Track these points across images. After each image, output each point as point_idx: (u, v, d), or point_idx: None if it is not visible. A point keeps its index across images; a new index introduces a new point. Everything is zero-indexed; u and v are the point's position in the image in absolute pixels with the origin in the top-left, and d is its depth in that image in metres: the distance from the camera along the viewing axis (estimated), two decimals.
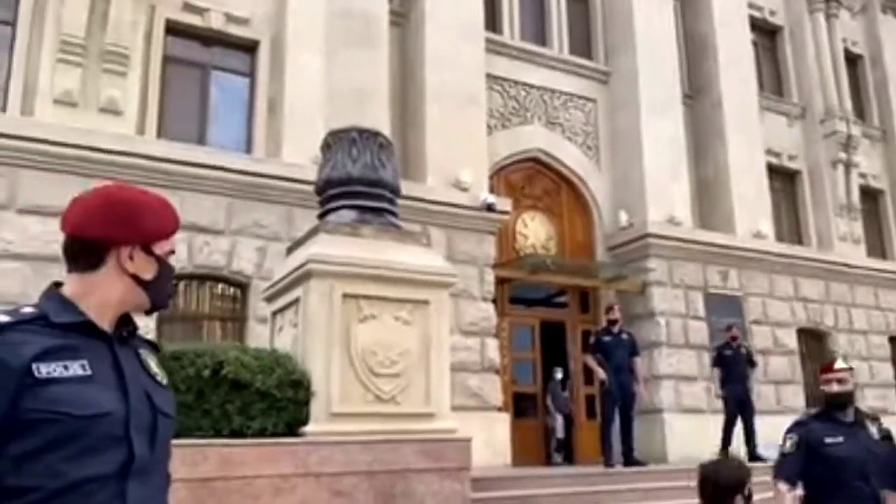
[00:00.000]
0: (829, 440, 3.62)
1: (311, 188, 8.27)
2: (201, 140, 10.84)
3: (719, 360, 10.97)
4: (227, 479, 4.82)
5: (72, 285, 1.51)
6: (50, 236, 8.82)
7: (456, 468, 5.74)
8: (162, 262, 1.56)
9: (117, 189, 1.60)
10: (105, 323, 1.49)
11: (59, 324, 1.41)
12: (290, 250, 6.66)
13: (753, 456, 10.37)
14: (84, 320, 1.45)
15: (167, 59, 10.79)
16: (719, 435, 12.23)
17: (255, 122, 11.20)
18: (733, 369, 10.76)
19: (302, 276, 5.73)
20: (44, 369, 1.35)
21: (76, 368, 1.38)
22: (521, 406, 12.64)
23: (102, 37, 9.86)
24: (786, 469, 3.66)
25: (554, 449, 12.22)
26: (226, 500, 4.80)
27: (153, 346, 1.66)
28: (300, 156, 10.49)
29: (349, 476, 5.22)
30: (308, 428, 5.34)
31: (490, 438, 10.52)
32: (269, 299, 6.59)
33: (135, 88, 10.14)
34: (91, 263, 1.50)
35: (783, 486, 3.62)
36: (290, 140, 10.70)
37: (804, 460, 3.63)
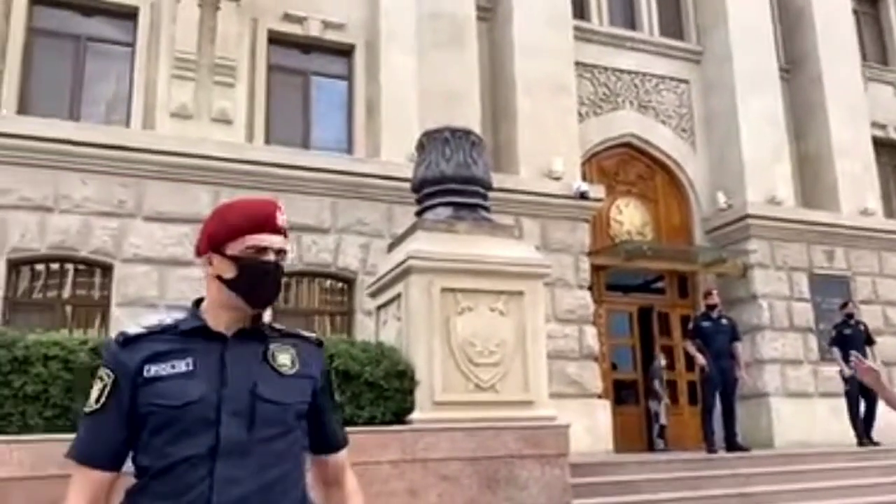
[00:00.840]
0: None
1: (408, 186, 8.68)
2: (305, 143, 11.42)
3: (839, 339, 10.69)
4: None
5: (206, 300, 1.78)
6: (170, 241, 9.60)
7: (555, 454, 5.97)
8: (238, 260, 1.69)
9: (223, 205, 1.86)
10: (222, 325, 1.70)
11: (182, 331, 1.68)
12: (391, 247, 7.04)
13: (868, 440, 10.14)
14: (198, 325, 1.70)
15: (271, 68, 11.41)
16: (828, 418, 11.99)
17: (355, 123, 11.69)
18: (853, 348, 10.47)
19: (403, 273, 6.09)
20: (152, 369, 1.61)
21: (181, 366, 1.62)
22: (621, 393, 12.72)
23: (212, 51, 10.56)
24: None
25: (657, 435, 12.25)
26: None
27: (313, 342, 1.82)
28: (398, 154, 10.91)
29: (454, 462, 5.54)
30: (414, 416, 5.70)
31: (591, 425, 10.69)
32: (374, 294, 6.99)
33: (242, 98, 10.80)
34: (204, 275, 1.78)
35: None
36: (388, 139, 11.13)
37: None
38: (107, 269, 9.51)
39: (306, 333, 1.85)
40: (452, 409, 5.78)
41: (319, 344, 1.85)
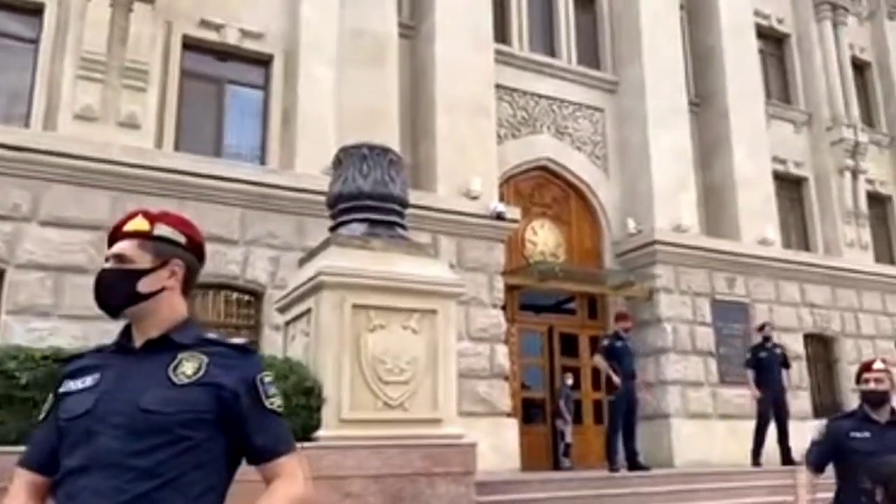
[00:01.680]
0: (854, 434, 3.88)
1: (321, 199, 8.56)
2: (217, 152, 11.13)
3: (754, 362, 11.07)
4: (240, 482, 5.06)
5: None
6: (68, 247, 9.17)
7: (461, 472, 5.96)
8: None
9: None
10: (138, 339, 1.78)
11: (109, 348, 1.81)
12: (302, 262, 6.92)
13: (788, 459, 10.51)
14: (116, 341, 1.81)
15: (184, 74, 11.09)
16: (726, 439, 12.44)
17: (270, 134, 11.48)
18: (768, 371, 10.84)
19: (314, 288, 5.99)
20: (68, 384, 1.74)
21: (88, 381, 1.70)
22: (530, 412, 12.85)
23: (122, 53, 10.18)
24: (811, 457, 4.01)
25: (562, 453, 12.41)
26: (241, 502, 5.05)
27: (236, 350, 1.81)
28: (312, 167, 10.76)
29: (359, 479, 5.46)
30: (320, 433, 5.59)
31: (499, 444, 10.75)
32: (283, 309, 6.85)
33: (153, 103, 10.45)
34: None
35: (806, 473, 4.00)
36: (303, 151, 10.98)
37: (830, 451, 3.93)
38: None
39: (232, 341, 1.84)
40: (360, 426, 5.69)
41: (244, 351, 1.83)
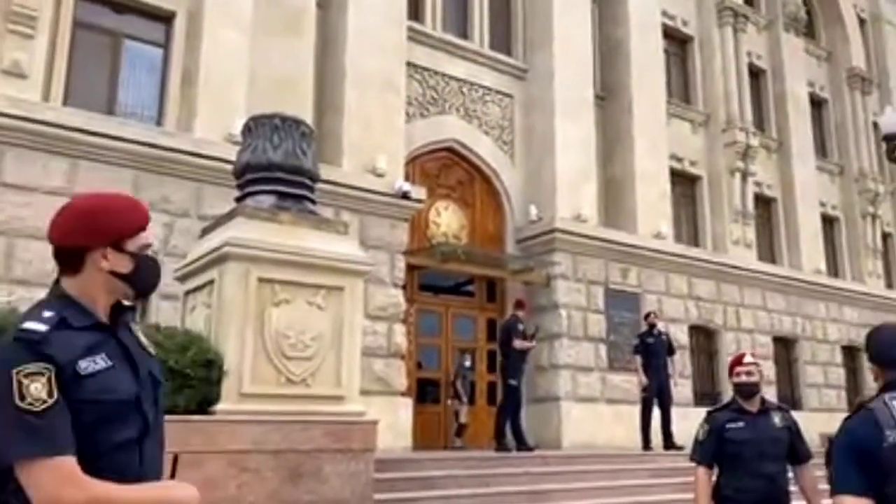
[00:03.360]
0: (730, 426, 4.10)
1: (224, 166, 8.24)
2: (110, 110, 10.50)
3: (642, 348, 11.47)
4: None
5: (68, 287, 1.81)
6: None
7: (361, 449, 5.90)
8: (136, 257, 1.83)
9: (85, 199, 1.89)
10: (102, 315, 1.79)
11: (80, 326, 1.72)
12: (205, 231, 6.63)
13: (670, 444, 10.95)
14: (96, 322, 1.76)
15: (77, 24, 10.39)
16: (612, 423, 12.88)
17: (168, 94, 10.92)
18: (654, 357, 11.28)
19: (218, 259, 5.74)
20: (83, 365, 1.67)
21: (101, 361, 1.70)
22: (424, 391, 12.89)
23: None
24: (700, 454, 4.16)
25: (454, 433, 12.52)
26: None
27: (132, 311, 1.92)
28: (214, 132, 10.35)
29: (257, 454, 5.30)
30: (219, 407, 5.39)
31: (393, 422, 10.72)
32: (182, 279, 6.55)
33: (42, 52, 9.74)
34: (75, 268, 1.81)
35: (700, 470, 4.12)
36: (204, 115, 10.52)
37: (715, 445, 4.10)
38: None
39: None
40: (260, 401, 5.52)
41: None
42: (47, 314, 1.70)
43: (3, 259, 8.70)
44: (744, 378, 4.16)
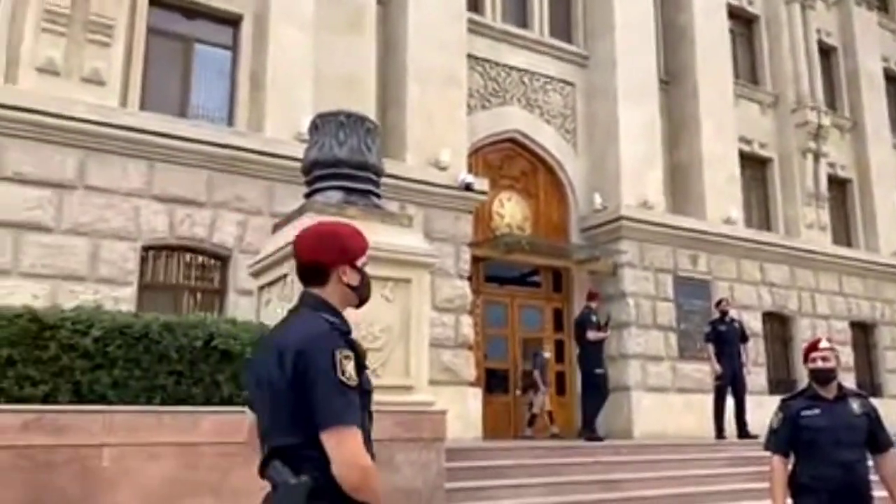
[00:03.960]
0: (805, 413, 4.03)
1: (293, 164, 8.46)
2: (183, 113, 10.89)
3: (714, 335, 11.34)
4: (218, 445, 5.05)
5: (316, 297, 2.23)
6: (28, 204, 8.92)
7: (432, 439, 6.01)
8: (362, 272, 2.28)
9: (325, 226, 2.36)
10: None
11: (344, 332, 2.15)
12: (276, 227, 6.85)
13: (744, 433, 10.82)
14: (350, 329, 2.21)
15: (151, 31, 10.80)
16: (683, 412, 12.73)
17: (238, 96, 11.26)
18: (727, 345, 11.13)
19: (290, 254, 5.93)
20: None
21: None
22: (492, 381, 12.97)
23: (87, 6, 9.85)
24: (775, 443, 4.10)
25: (527, 423, 12.53)
26: (216, 464, 5.04)
27: None
28: (283, 131, 10.62)
29: None
30: None
31: (462, 412, 10.85)
32: (256, 274, 6.77)
33: (118, 59, 10.15)
34: (322, 281, 2.23)
35: (776, 459, 4.06)
36: (273, 115, 10.81)
37: (790, 433, 4.04)
38: None
39: None
40: None
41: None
42: (332, 319, 2.14)
43: (89, 259, 9.13)
44: (819, 364, 4.08)
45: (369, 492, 1.99)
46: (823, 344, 4.18)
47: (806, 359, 4.18)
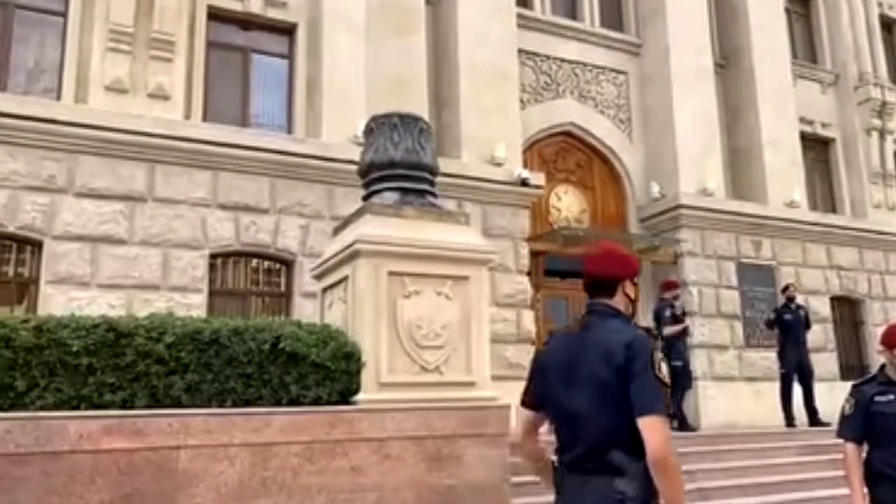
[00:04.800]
0: (878, 398, 3.97)
1: (350, 167, 8.64)
2: (244, 122, 11.21)
3: (779, 323, 11.15)
4: (287, 444, 5.24)
5: (609, 306, 2.74)
6: (102, 217, 9.33)
7: (497, 434, 6.09)
8: (636, 286, 2.83)
9: (611, 247, 2.90)
10: None
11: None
12: (336, 230, 7.02)
13: (815, 420, 10.63)
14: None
15: (210, 45, 11.14)
16: (752, 401, 12.51)
17: (295, 103, 11.53)
18: (792, 332, 10.93)
19: (350, 256, 6.08)
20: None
21: None
22: None
23: (149, 25, 10.23)
24: (848, 430, 4.05)
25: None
26: (286, 463, 5.23)
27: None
28: (339, 136, 10.83)
29: (398, 441, 5.61)
30: (359, 396, 5.72)
31: None
32: (319, 277, 6.96)
33: (181, 74, 10.51)
34: (611, 293, 2.74)
35: (849, 446, 4.01)
36: (329, 120, 11.02)
37: (863, 420, 3.98)
38: (36, 246, 9.19)
39: None
40: (398, 389, 5.83)
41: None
42: (639, 326, 2.82)
43: (161, 269, 9.49)
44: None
45: (670, 471, 2.41)
46: None
47: (891, 344, 4.05)
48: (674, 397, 10.57)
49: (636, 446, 2.42)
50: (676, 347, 10.65)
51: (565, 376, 2.64)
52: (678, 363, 10.56)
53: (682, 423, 10.46)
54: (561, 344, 2.81)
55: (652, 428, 2.40)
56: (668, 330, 10.54)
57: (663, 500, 2.43)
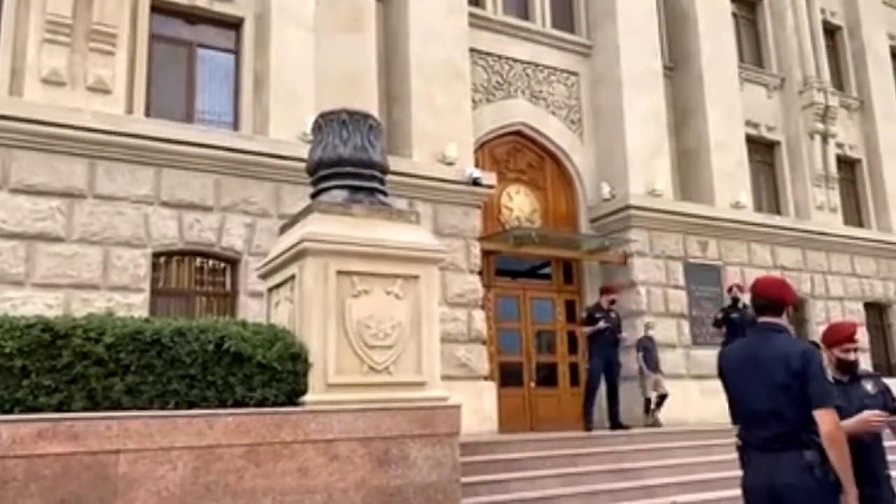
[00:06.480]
0: None
1: (298, 165, 8.48)
2: (189, 118, 10.94)
3: (725, 322, 11.29)
4: (231, 447, 5.09)
5: (778, 324, 3.63)
6: (39, 215, 8.99)
7: (446, 434, 6.02)
8: (790, 314, 3.75)
9: (777, 278, 3.97)
10: None
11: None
12: (283, 229, 6.86)
13: None
14: None
15: (153, 38, 10.85)
16: (700, 399, 12.69)
17: (242, 99, 11.29)
18: (739, 331, 11.03)
19: (297, 255, 5.95)
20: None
21: None
22: (506, 375, 12.97)
23: (89, 16, 9.90)
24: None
25: (654, 407, 12.08)
26: (231, 465, 5.07)
27: None
28: (287, 132, 10.65)
29: (346, 442, 5.49)
30: (307, 398, 5.59)
31: (478, 406, 10.89)
32: (265, 276, 6.80)
33: (122, 67, 10.20)
34: (779, 313, 3.64)
35: None
36: (277, 117, 10.84)
37: None
38: None
39: None
40: (346, 390, 5.71)
41: None
42: (801, 341, 3.87)
43: (101, 268, 9.19)
44: (851, 356, 4.11)
45: (839, 446, 3.32)
46: (858, 335, 4.20)
47: (835, 344, 4.15)
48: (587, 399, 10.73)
49: (813, 429, 3.33)
50: (591, 350, 10.87)
51: (748, 380, 3.56)
52: (588, 365, 10.99)
53: (612, 421, 10.66)
54: (738, 355, 3.76)
55: (824, 416, 3.33)
56: (582, 330, 11.03)
57: (835, 466, 3.31)
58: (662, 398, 12.11)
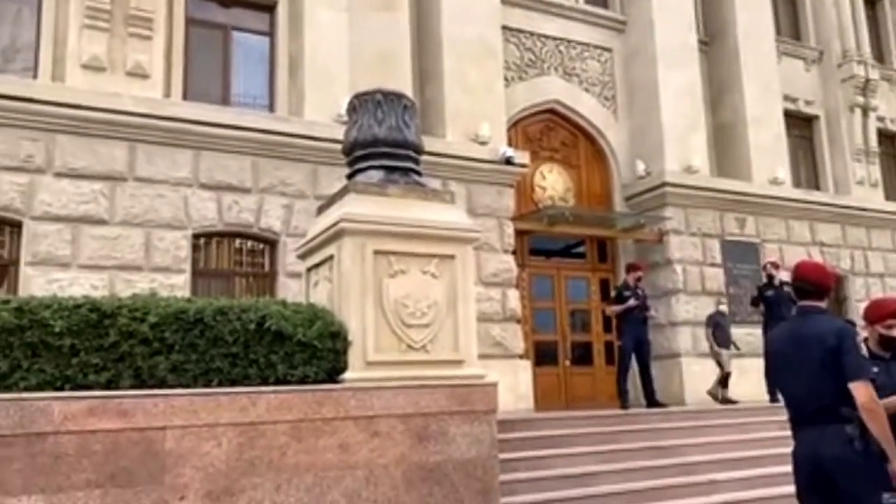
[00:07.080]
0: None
1: (334, 146, 8.55)
2: (225, 100, 11.07)
3: (762, 300, 11.21)
4: (274, 423, 5.20)
5: (820, 307, 3.90)
6: (83, 198, 9.20)
7: (484, 411, 6.08)
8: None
9: (823, 264, 4.21)
10: None
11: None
12: (321, 209, 6.94)
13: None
14: None
15: (189, 22, 10.97)
16: (736, 377, 12.59)
17: (277, 81, 11.39)
18: (775, 309, 10.90)
19: (335, 235, 6.02)
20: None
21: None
22: (541, 354, 13.01)
23: (127, 1, 10.04)
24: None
25: (719, 384, 11.88)
26: (274, 442, 5.19)
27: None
28: (323, 114, 10.73)
29: (386, 418, 5.58)
30: (347, 375, 5.68)
31: (513, 384, 10.95)
32: (303, 256, 6.89)
33: (159, 52, 10.35)
34: (821, 298, 3.91)
35: None
36: (312, 98, 10.91)
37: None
38: (16, 227, 9.06)
39: None
40: (385, 368, 5.80)
41: None
42: (838, 319, 3.93)
43: (143, 249, 9.39)
44: (895, 332, 4.08)
45: (877, 416, 3.48)
46: None
47: (877, 320, 4.14)
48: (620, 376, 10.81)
49: (851, 402, 3.50)
50: (624, 328, 10.92)
51: (791, 359, 3.79)
52: (620, 343, 11.04)
53: (648, 399, 10.75)
54: (782, 336, 3.99)
55: (859, 388, 3.50)
56: (611, 309, 11.01)
57: (876, 436, 3.49)
58: (726, 377, 12.00)
